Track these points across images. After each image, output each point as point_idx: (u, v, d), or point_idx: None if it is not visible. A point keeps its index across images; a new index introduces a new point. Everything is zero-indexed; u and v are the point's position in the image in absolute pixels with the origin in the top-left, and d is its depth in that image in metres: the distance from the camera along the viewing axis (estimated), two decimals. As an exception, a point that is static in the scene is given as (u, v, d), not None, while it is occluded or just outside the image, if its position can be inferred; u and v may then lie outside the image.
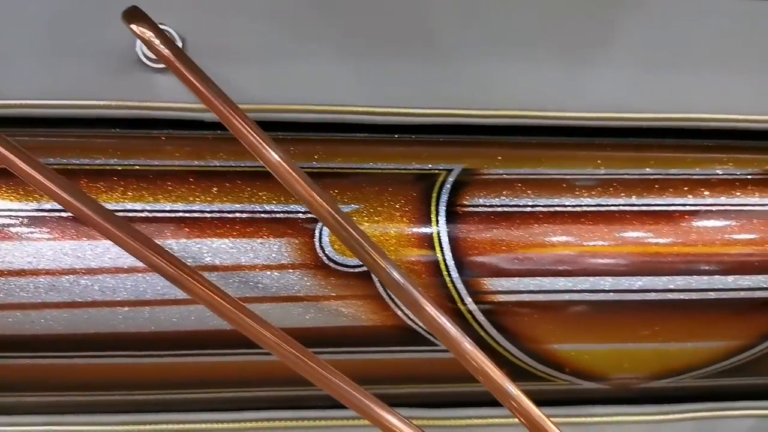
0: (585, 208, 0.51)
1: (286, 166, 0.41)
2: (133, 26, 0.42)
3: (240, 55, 0.52)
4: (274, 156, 0.41)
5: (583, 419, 0.54)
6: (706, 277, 0.51)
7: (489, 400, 0.44)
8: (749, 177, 0.54)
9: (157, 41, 0.42)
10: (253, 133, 0.41)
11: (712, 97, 0.56)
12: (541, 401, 0.52)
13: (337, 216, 0.41)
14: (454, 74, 0.54)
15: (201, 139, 0.51)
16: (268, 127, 0.52)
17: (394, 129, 0.54)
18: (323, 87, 0.53)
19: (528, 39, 0.54)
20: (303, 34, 0.53)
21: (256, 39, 0.52)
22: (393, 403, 0.51)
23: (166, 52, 0.42)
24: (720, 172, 0.54)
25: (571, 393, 0.55)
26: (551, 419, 0.52)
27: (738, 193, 0.53)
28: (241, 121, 0.41)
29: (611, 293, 0.50)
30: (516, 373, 0.52)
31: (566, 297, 0.50)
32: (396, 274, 0.41)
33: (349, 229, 0.41)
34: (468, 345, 0.41)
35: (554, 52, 0.55)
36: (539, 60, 0.55)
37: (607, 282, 0.50)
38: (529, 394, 0.42)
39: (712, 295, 0.51)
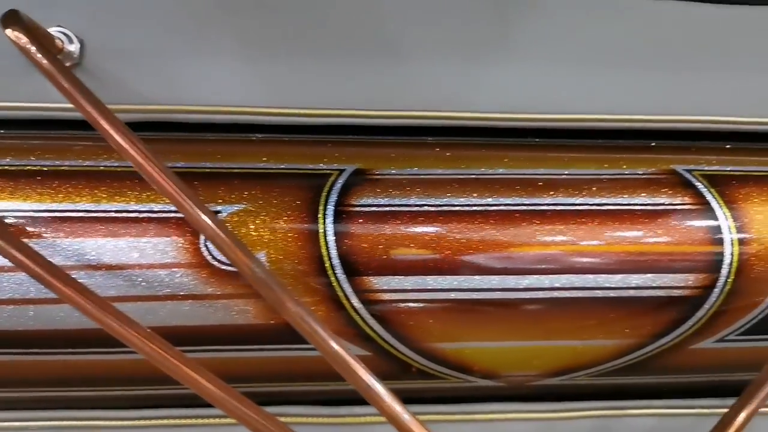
0: (474, 208, 0.52)
1: (153, 166, 0.42)
2: (8, 31, 0.43)
3: (139, 56, 0.53)
4: (139, 156, 0.41)
5: (477, 416, 0.55)
6: (591, 276, 0.52)
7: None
8: (640, 177, 0.54)
9: (32, 48, 0.42)
10: (120, 133, 0.42)
11: (611, 98, 0.57)
12: (435, 398, 0.53)
13: (202, 214, 0.42)
14: (350, 75, 0.54)
15: (91, 139, 0.51)
16: (164, 127, 0.52)
17: (290, 129, 0.55)
18: (220, 88, 0.54)
19: (426, 39, 0.55)
20: (200, 35, 0.53)
21: (155, 40, 0.53)
22: (285, 400, 0.52)
23: (37, 56, 0.42)
24: (610, 173, 0.54)
25: (465, 390, 0.55)
26: (446, 416, 0.52)
27: (625, 193, 0.53)
28: (108, 121, 0.42)
29: (498, 291, 0.51)
30: (407, 371, 0.53)
31: (453, 295, 0.51)
32: (260, 272, 0.41)
33: (214, 227, 0.42)
34: (333, 344, 0.41)
35: (453, 53, 0.55)
36: (437, 60, 0.55)
37: (494, 280, 0.51)
38: (396, 393, 0.42)
39: (599, 293, 0.52)
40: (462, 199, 0.52)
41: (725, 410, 0.54)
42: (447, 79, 0.55)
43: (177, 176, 0.42)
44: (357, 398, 0.48)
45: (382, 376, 0.51)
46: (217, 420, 0.53)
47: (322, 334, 0.42)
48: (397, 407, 0.41)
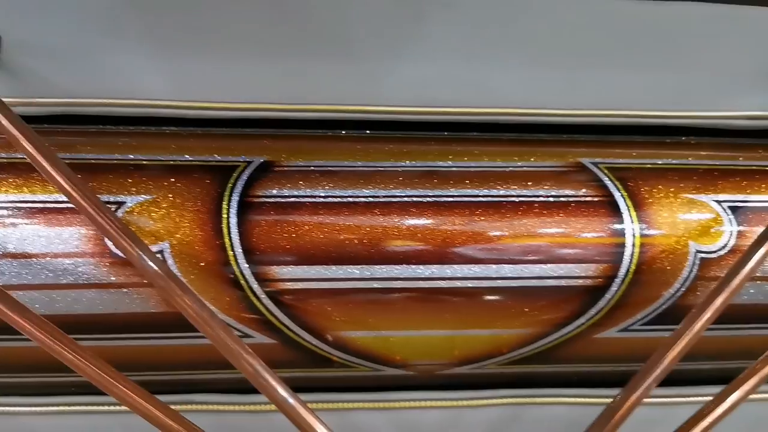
0: (379, 199, 0.52)
1: (43, 157, 0.42)
2: None
3: (55, 50, 0.54)
4: (30, 146, 0.42)
5: (386, 404, 0.56)
6: (494, 266, 0.53)
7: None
8: (546, 170, 0.56)
9: None
10: (12, 124, 0.42)
11: (522, 92, 0.58)
12: (346, 387, 0.54)
13: (94, 205, 0.42)
14: (262, 69, 0.55)
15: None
16: (82, 120, 0.53)
17: (204, 123, 0.56)
18: (134, 82, 0.54)
19: (337, 34, 0.56)
20: (116, 30, 0.54)
21: (72, 34, 0.53)
22: (195, 388, 0.53)
23: None
24: (517, 165, 0.55)
25: (376, 379, 0.56)
26: (356, 404, 0.53)
27: (530, 185, 0.54)
28: (1, 112, 0.42)
29: (402, 281, 0.52)
30: (315, 360, 0.54)
31: (358, 285, 0.52)
32: (149, 262, 0.42)
33: (107, 217, 0.43)
34: (222, 332, 0.42)
35: (364, 48, 0.56)
36: (348, 55, 0.56)
37: (396, 270, 0.52)
38: (283, 381, 0.43)
39: (502, 283, 0.53)
40: (367, 191, 0.53)
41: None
42: (358, 73, 0.56)
43: (68, 168, 0.43)
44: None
45: (289, 365, 0.53)
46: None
47: (211, 323, 0.42)
48: (284, 393, 0.42)
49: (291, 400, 0.42)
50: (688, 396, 0.57)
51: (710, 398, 0.47)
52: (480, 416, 0.57)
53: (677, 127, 0.60)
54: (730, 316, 0.53)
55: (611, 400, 0.53)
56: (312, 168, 0.54)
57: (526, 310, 0.54)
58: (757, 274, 0.55)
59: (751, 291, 0.56)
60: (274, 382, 0.42)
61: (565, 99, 0.58)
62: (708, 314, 0.46)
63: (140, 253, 0.43)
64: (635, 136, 0.60)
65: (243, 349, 0.42)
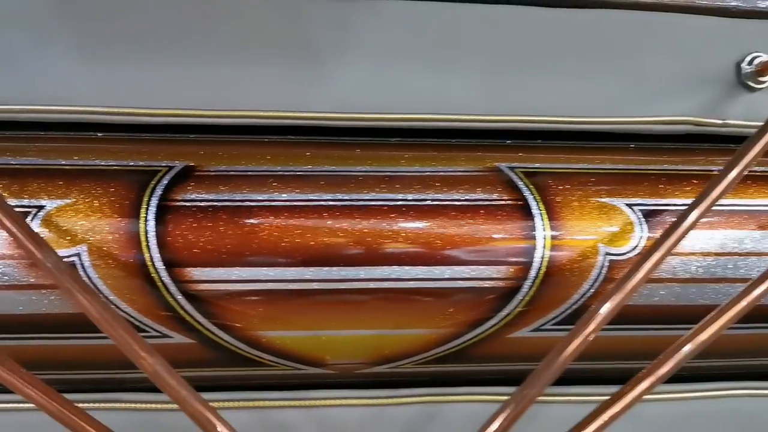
0: (296, 203, 0.54)
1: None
2: None
3: None
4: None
5: (306, 402, 0.57)
6: (409, 268, 0.54)
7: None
8: (462, 174, 0.57)
9: None
10: None
11: (444, 97, 0.59)
12: (267, 386, 0.55)
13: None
14: (189, 75, 0.57)
15: None
16: (6, 126, 0.55)
17: (131, 128, 0.57)
18: (57, 88, 0.56)
19: (262, 40, 0.57)
20: (42, 36, 0.55)
21: None
22: (110, 387, 0.54)
23: None
24: (433, 170, 0.57)
25: (297, 377, 0.58)
26: (277, 402, 0.55)
27: (445, 189, 0.56)
28: None
29: (316, 282, 0.53)
30: (235, 359, 0.55)
31: (274, 286, 0.53)
32: (49, 264, 0.44)
33: (11, 219, 0.44)
34: (122, 331, 0.44)
35: (288, 54, 0.57)
36: (275, 61, 0.57)
37: (310, 272, 0.53)
38: (192, 380, 0.44)
39: (417, 284, 0.54)
40: (285, 195, 0.54)
41: (546, 397, 0.57)
42: (283, 79, 0.58)
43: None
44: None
45: (209, 364, 0.54)
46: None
47: (113, 323, 0.44)
48: (184, 392, 0.44)
49: (191, 399, 0.44)
50: (587, 395, 0.58)
51: (608, 398, 0.49)
52: (399, 414, 0.58)
53: (596, 133, 0.62)
54: (637, 317, 0.55)
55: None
56: (232, 173, 0.55)
57: (441, 310, 0.55)
58: (666, 276, 0.57)
59: (662, 292, 0.57)
60: (173, 381, 0.44)
61: (485, 104, 0.60)
62: (602, 316, 0.48)
63: (44, 254, 0.44)
64: (555, 142, 0.62)
65: (143, 348, 0.44)
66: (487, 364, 0.59)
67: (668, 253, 0.49)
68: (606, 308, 0.48)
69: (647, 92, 0.62)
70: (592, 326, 0.47)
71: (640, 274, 0.49)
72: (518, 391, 0.47)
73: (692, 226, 0.50)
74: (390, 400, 0.58)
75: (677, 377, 0.59)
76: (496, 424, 0.47)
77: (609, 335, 0.55)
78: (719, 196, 0.50)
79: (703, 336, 0.49)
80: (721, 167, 0.54)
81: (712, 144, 0.63)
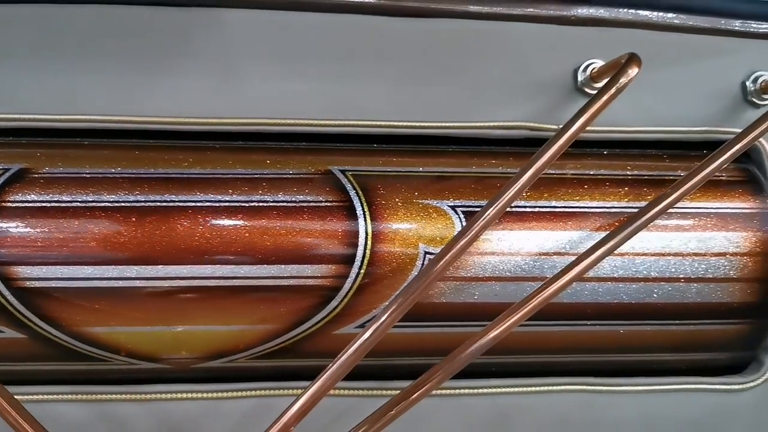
0: (126, 204, 0.56)
1: None
2: None
3: None
4: None
5: (143, 396, 0.59)
6: (236, 267, 0.56)
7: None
8: (291, 176, 0.59)
9: None
10: None
11: (282, 102, 0.61)
12: (104, 380, 0.58)
13: None
14: (27, 81, 0.59)
15: None
16: None
17: None
18: None
19: (109, 48, 0.59)
20: None
21: None
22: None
23: None
24: (266, 171, 0.59)
25: (135, 372, 0.60)
26: (114, 396, 0.57)
27: (273, 191, 0.58)
28: None
29: (143, 280, 0.56)
30: (68, 355, 0.58)
31: (103, 284, 0.56)
32: None
33: None
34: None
35: (131, 61, 0.60)
36: (118, 67, 0.60)
37: (134, 270, 0.56)
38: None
39: (243, 282, 0.57)
40: (113, 196, 0.57)
41: (386, 391, 0.59)
42: (126, 85, 0.60)
43: None
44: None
45: (42, 359, 0.57)
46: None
47: None
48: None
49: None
50: (381, 390, 0.60)
51: (398, 392, 0.51)
52: (235, 407, 0.60)
53: (435, 137, 0.64)
54: (433, 314, 0.57)
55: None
56: (65, 175, 0.58)
57: (267, 307, 0.58)
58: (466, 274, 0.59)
59: (447, 291, 0.59)
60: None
61: (325, 109, 0.62)
62: (393, 312, 0.50)
63: None
64: (392, 146, 0.64)
65: None
66: (317, 359, 0.61)
67: (461, 253, 0.52)
68: (402, 305, 0.50)
69: (486, 98, 0.64)
70: (377, 326, 0.50)
71: (433, 274, 0.51)
72: (310, 385, 0.50)
73: (487, 226, 0.52)
74: (226, 394, 0.60)
75: (507, 372, 0.62)
76: (287, 416, 0.49)
77: (403, 332, 0.57)
78: (512, 199, 0.53)
79: (494, 333, 0.51)
80: (550, 171, 0.56)
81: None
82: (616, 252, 0.59)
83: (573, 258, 0.56)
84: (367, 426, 0.51)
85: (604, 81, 0.60)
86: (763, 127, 0.57)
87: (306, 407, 0.50)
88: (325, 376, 0.50)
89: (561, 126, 0.57)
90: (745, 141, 0.57)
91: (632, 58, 0.57)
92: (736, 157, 0.59)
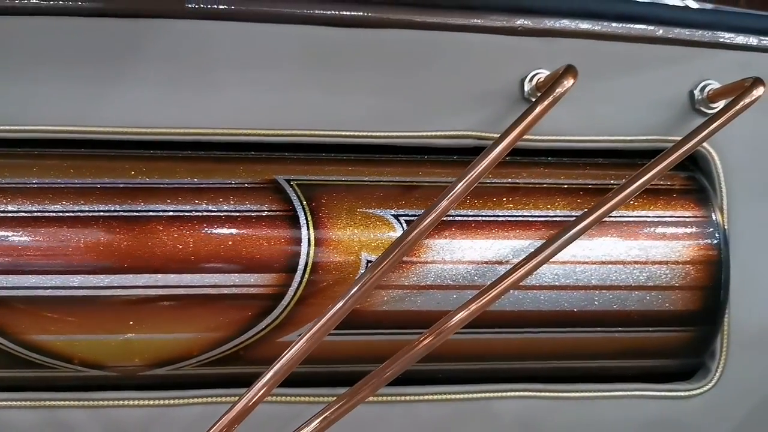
0: (69, 215, 0.57)
1: None
2: None
3: None
4: None
5: (90, 403, 0.60)
6: (178, 276, 0.57)
7: None
8: (237, 186, 0.60)
9: None
10: None
11: (231, 112, 0.62)
12: (52, 387, 0.59)
13: None
14: None
15: None
16: None
17: None
18: None
19: (53, 58, 0.60)
20: None
21: None
22: None
23: None
24: (212, 181, 0.60)
25: (83, 379, 0.61)
26: (61, 402, 0.58)
27: (219, 200, 0.59)
28: None
29: (83, 289, 0.57)
30: (16, 362, 0.58)
31: (46, 293, 0.56)
32: None
33: None
34: None
35: (76, 72, 0.61)
36: (62, 77, 0.60)
37: (76, 279, 0.56)
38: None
39: (185, 291, 0.58)
40: (57, 207, 0.58)
41: (324, 398, 0.60)
42: (68, 95, 0.61)
43: None
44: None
45: (-11, 366, 0.57)
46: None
47: None
48: None
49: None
50: (321, 396, 0.61)
51: (334, 398, 0.52)
52: (183, 414, 0.61)
53: (383, 147, 0.65)
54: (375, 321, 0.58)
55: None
56: (13, 185, 0.58)
57: (210, 316, 0.59)
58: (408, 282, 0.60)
59: (386, 298, 0.60)
60: None
61: (270, 119, 0.63)
62: (327, 321, 0.51)
63: None
64: (339, 155, 0.65)
65: None
66: (263, 366, 0.61)
67: (399, 258, 0.53)
68: (334, 313, 0.51)
69: (433, 108, 0.65)
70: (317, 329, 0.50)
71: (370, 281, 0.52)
72: (245, 393, 0.50)
73: (423, 234, 0.53)
74: (173, 401, 0.61)
75: (454, 378, 0.63)
76: (223, 422, 0.50)
77: (347, 340, 0.58)
78: (448, 208, 0.53)
79: (428, 341, 0.52)
80: (494, 180, 0.57)
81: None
82: (557, 260, 0.60)
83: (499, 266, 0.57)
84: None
85: None
86: (700, 136, 0.58)
87: (241, 414, 0.50)
88: (260, 383, 0.51)
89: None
90: (683, 150, 0.58)
91: (568, 69, 0.57)
92: (680, 165, 0.60)
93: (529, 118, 0.55)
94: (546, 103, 0.55)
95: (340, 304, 0.51)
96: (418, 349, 0.52)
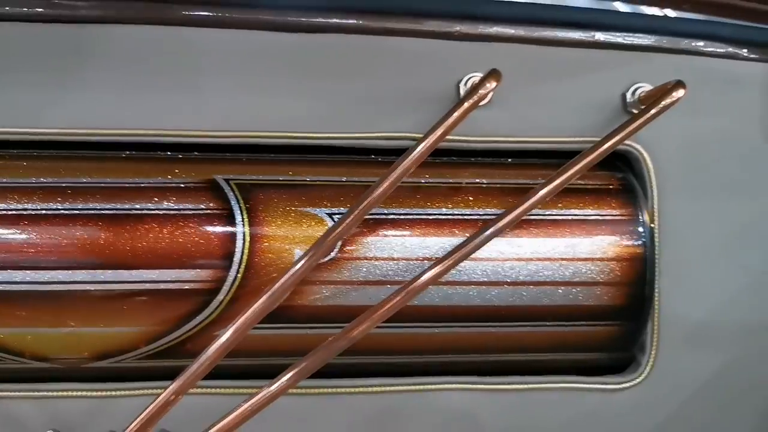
0: (22, 212, 0.60)
1: None
2: None
3: None
4: None
5: (35, 394, 0.62)
6: (111, 272, 0.59)
7: None
8: (177, 185, 0.63)
9: None
10: None
11: (179, 114, 0.64)
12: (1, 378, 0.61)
13: None
14: None
15: None
16: None
17: None
18: None
19: (10, 65, 0.63)
20: None
21: None
22: None
23: None
24: (152, 181, 0.62)
25: (27, 371, 0.63)
26: (6, 393, 0.60)
27: (156, 199, 0.61)
28: None
29: (26, 284, 0.59)
30: None
31: None
32: None
33: None
34: None
35: (34, 77, 0.63)
36: (19, 83, 0.63)
37: (20, 274, 0.59)
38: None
39: (121, 286, 0.60)
40: (2, 205, 0.60)
41: (249, 390, 0.62)
42: (21, 100, 0.63)
43: None
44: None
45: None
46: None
47: None
48: None
49: None
50: (246, 388, 0.63)
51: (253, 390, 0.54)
52: (125, 405, 0.63)
53: (323, 147, 0.67)
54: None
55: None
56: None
57: (146, 311, 0.61)
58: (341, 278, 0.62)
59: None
60: None
61: (213, 121, 0.65)
62: (250, 315, 0.53)
63: None
64: (280, 155, 0.67)
65: None
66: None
67: (321, 257, 0.55)
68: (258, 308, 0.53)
69: (371, 110, 0.67)
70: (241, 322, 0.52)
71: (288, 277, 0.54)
72: (169, 385, 0.53)
73: (343, 234, 0.55)
74: (115, 393, 0.63)
75: (391, 371, 0.65)
76: (146, 413, 0.52)
77: (280, 334, 0.60)
78: (372, 205, 0.55)
79: (354, 333, 0.54)
80: (432, 179, 0.59)
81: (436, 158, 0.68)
82: (487, 257, 0.62)
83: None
84: (223, 424, 0.53)
85: None
86: (619, 136, 0.60)
87: (164, 405, 0.52)
88: (184, 375, 0.53)
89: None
90: (602, 149, 0.60)
91: (492, 73, 0.60)
92: (613, 166, 0.62)
93: (452, 119, 0.57)
94: (466, 105, 0.57)
95: (262, 299, 0.53)
96: (340, 342, 0.54)
